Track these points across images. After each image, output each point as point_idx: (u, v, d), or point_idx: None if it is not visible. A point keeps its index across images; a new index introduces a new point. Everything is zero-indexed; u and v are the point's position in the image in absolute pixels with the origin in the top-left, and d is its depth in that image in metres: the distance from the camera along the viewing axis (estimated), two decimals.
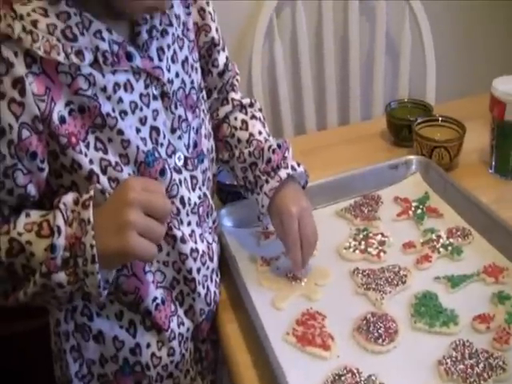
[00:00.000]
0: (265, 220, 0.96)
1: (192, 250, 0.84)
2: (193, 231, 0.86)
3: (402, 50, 1.74)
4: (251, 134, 0.97)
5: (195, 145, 0.85)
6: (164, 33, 0.80)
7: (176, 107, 0.81)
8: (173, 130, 0.81)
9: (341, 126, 1.79)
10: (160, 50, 0.79)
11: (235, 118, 1.00)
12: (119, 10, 0.72)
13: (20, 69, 0.66)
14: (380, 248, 0.99)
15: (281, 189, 0.92)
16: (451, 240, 1.00)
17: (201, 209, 0.87)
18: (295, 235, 0.90)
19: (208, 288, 0.89)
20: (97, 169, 0.73)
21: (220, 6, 1.58)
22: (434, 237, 1.01)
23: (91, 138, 0.72)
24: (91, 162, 0.72)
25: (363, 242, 1.00)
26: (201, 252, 0.86)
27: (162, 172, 0.79)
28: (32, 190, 0.72)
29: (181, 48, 0.84)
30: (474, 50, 1.95)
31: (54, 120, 0.69)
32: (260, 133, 0.98)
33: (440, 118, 1.26)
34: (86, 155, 0.72)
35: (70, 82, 0.70)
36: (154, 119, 0.78)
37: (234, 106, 1.00)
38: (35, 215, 0.71)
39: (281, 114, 1.72)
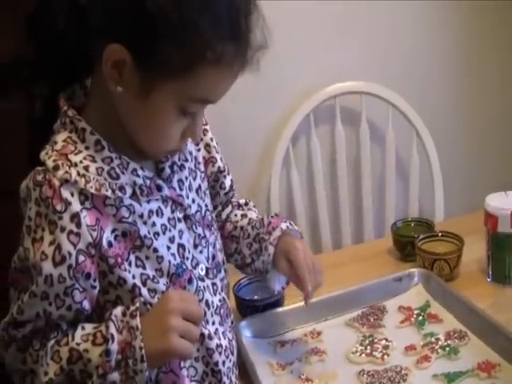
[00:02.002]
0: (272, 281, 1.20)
1: (217, 346, 1.04)
2: (217, 329, 1.06)
3: (410, 173, 2.00)
4: (250, 219, 1.23)
5: (213, 257, 1.08)
6: (182, 167, 1.05)
7: (196, 227, 1.04)
8: (195, 246, 1.04)
9: (354, 244, 2.03)
10: (180, 181, 1.03)
11: (235, 215, 1.25)
12: (147, 154, 0.96)
13: (76, 206, 0.86)
14: (384, 351, 1.18)
15: (283, 237, 1.17)
16: (449, 342, 1.19)
17: (222, 310, 1.08)
18: (306, 265, 1.13)
19: (231, 379, 1.08)
20: (138, 282, 0.94)
21: (242, 135, 1.90)
22: (433, 339, 1.20)
23: (132, 257, 0.93)
24: (134, 277, 0.93)
25: (369, 347, 1.20)
26: (224, 347, 1.06)
27: (190, 281, 1.00)
28: (86, 305, 0.92)
29: (194, 178, 1.08)
30: (474, 170, 2.22)
31: (103, 245, 0.90)
32: (257, 217, 1.25)
33: (440, 234, 1.48)
34: (129, 272, 0.93)
35: (114, 213, 0.91)
36: (180, 238, 1.00)
37: (233, 206, 1.27)
38: (89, 328, 0.92)
39: None
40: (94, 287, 0.92)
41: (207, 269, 1.05)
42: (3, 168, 1.68)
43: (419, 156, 1.98)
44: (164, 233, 0.98)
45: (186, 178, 1.05)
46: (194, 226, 1.04)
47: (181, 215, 1.01)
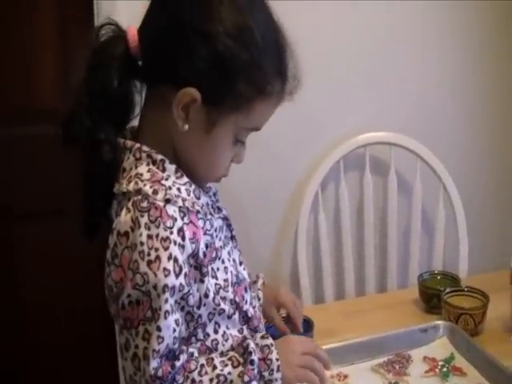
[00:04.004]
0: None
1: None
2: None
3: (436, 226, 2.06)
4: None
5: (249, 275, 1.18)
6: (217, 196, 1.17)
7: (238, 247, 1.15)
8: (240, 263, 1.14)
9: (377, 292, 2.09)
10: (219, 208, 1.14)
11: None
12: (198, 182, 1.05)
13: (179, 221, 0.95)
14: None
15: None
16: None
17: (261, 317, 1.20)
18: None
19: None
20: (214, 291, 1.02)
21: (274, 176, 1.98)
22: None
23: (210, 269, 1.02)
24: (212, 286, 1.02)
25: None
26: None
27: (246, 289, 1.11)
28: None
29: None
30: (500, 229, 2.29)
31: (200, 255, 0.99)
32: None
33: (466, 289, 1.54)
34: (209, 281, 1.02)
35: (202, 226, 1.01)
36: (232, 253, 1.11)
37: None
38: (219, 357, 1.01)
39: (322, 281, 2.04)
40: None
41: (249, 283, 1.15)
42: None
43: (445, 211, 2.05)
44: (224, 247, 1.08)
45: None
46: (237, 246, 1.16)
47: (229, 234, 1.13)
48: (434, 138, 2.12)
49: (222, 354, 1.03)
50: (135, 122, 1.07)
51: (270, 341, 1.03)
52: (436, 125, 2.17)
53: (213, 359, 1.00)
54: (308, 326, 1.42)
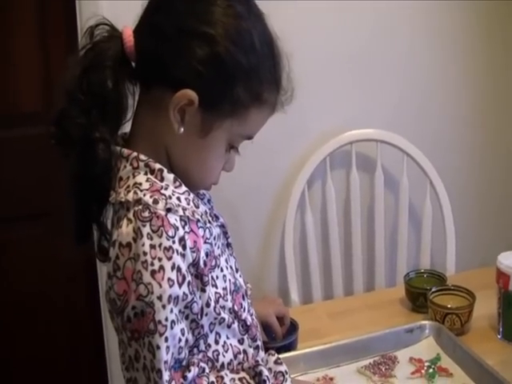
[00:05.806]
0: None
1: (262, 359, 1.10)
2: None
3: (423, 222, 2.05)
4: None
5: (245, 282, 1.16)
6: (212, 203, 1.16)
7: (233, 254, 1.14)
8: (236, 270, 1.12)
9: (366, 292, 2.08)
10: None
11: None
12: (192, 188, 1.03)
13: (181, 230, 0.94)
14: None
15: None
16: None
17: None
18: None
19: None
20: (214, 300, 1.01)
21: (260, 174, 1.96)
22: None
23: (210, 278, 1.01)
24: (212, 295, 1.00)
25: None
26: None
27: (243, 297, 1.10)
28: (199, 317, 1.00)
29: None
30: (488, 225, 2.27)
31: (200, 264, 0.97)
32: None
33: (452, 287, 1.53)
34: (210, 289, 1.00)
35: (202, 234, 1.00)
36: (229, 261, 1.10)
37: None
38: (228, 375, 1.01)
39: (310, 279, 2.02)
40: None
41: (245, 291, 1.14)
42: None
43: (432, 206, 2.03)
44: (222, 255, 1.07)
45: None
46: (233, 253, 1.14)
47: (225, 242, 1.12)
48: (421, 135, 2.12)
49: (231, 372, 1.02)
50: (126, 128, 1.05)
51: (284, 367, 1.03)
52: (422, 121, 2.16)
53: (223, 378, 0.99)
54: (292, 328, 1.40)
